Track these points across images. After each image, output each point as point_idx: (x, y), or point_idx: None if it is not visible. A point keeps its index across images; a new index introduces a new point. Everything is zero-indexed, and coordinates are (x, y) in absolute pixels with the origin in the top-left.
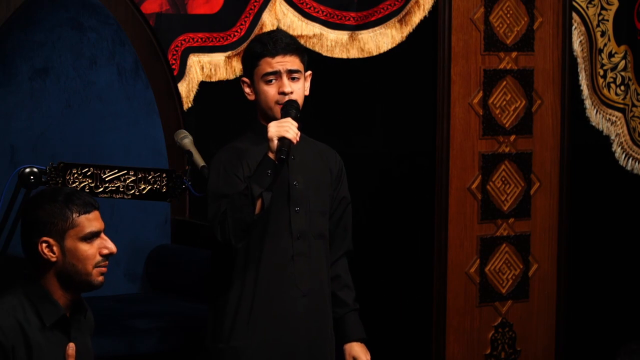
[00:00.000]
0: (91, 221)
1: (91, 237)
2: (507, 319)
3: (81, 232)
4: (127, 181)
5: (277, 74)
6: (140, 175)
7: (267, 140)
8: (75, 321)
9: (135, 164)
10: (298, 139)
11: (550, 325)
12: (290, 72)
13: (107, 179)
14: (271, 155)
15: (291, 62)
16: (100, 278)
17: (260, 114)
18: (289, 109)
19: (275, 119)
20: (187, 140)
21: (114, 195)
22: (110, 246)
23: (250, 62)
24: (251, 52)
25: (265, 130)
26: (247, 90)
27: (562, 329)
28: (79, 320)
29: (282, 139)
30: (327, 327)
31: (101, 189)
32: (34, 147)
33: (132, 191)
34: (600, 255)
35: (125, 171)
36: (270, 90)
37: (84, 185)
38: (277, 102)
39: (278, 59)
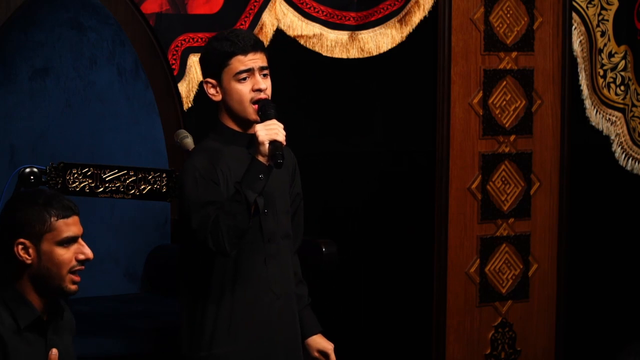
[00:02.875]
0: (69, 226)
1: (68, 242)
2: (507, 319)
3: (58, 236)
4: (127, 181)
5: (250, 72)
6: (140, 175)
7: (234, 141)
8: (52, 323)
9: (135, 164)
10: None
11: (550, 325)
12: (261, 69)
13: (107, 179)
14: (261, 159)
15: (261, 59)
16: (73, 287)
17: (229, 115)
18: (267, 109)
19: (248, 118)
20: (187, 140)
21: (114, 195)
22: (87, 252)
23: (219, 62)
24: (219, 51)
25: (231, 132)
26: (212, 91)
27: (562, 329)
28: (56, 322)
29: (274, 142)
30: (297, 324)
31: (101, 189)
32: (34, 147)
33: (132, 191)
34: (600, 255)
35: (125, 171)
36: (245, 89)
37: (84, 185)
38: (251, 100)
39: (250, 56)
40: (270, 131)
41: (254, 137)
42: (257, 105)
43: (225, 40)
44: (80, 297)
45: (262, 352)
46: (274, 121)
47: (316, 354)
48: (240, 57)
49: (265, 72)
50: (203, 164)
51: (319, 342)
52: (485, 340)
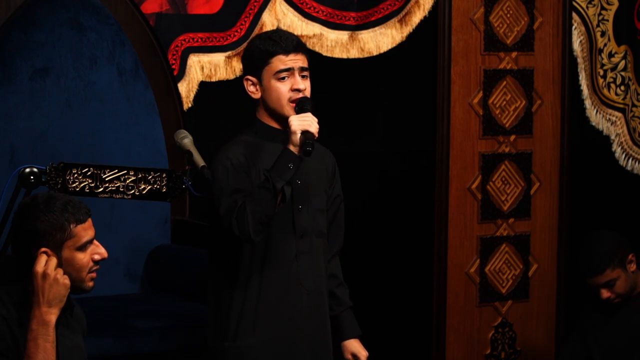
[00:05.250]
0: (87, 230)
1: (86, 245)
2: (507, 319)
3: (78, 242)
4: (127, 181)
5: (290, 71)
6: (140, 175)
7: (270, 138)
8: (62, 318)
9: (135, 164)
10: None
11: (550, 325)
12: (301, 70)
13: (107, 179)
14: (292, 148)
15: (302, 60)
16: (91, 283)
17: (267, 113)
18: (304, 104)
19: (285, 115)
20: (187, 140)
21: (114, 195)
22: (102, 251)
23: (260, 60)
24: (261, 49)
25: (268, 128)
26: (251, 88)
27: (562, 329)
28: (66, 318)
29: (306, 133)
30: (327, 325)
31: (101, 189)
32: (34, 147)
33: (132, 191)
34: None
35: (125, 171)
36: (283, 88)
37: (84, 185)
38: (289, 99)
39: (291, 56)
40: (304, 122)
41: (288, 127)
42: (294, 104)
43: (267, 40)
44: (80, 297)
45: (287, 346)
46: (309, 114)
47: (349, 357)
48: (282, 57)
49: (305, 73)
50: (236, 154)
51: (355, 346)
52: (485, 340)
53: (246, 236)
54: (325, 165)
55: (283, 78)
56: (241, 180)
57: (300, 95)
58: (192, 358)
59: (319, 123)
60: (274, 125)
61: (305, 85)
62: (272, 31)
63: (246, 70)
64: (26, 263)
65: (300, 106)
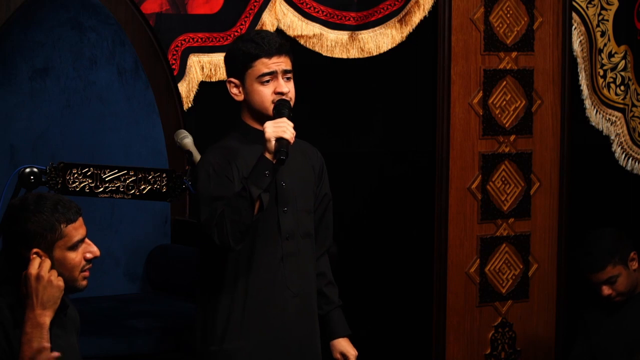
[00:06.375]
0: (77, 229)
1: (77, 244)
2: (507, 319)
3: (69, 242)
4: (127, 181)
5: (274, 74)
6: (140, 175)
7: (255, 140)
8: (56, 318)
9: (135, 164)
10: (294, 139)
11: (550, 325)
12: (285, 72)
13: (107, 179)
14: (268, 155)
15: (285, 62)
16: (85, 282)
17: (250, 115)
18: (281, 108)
19: (269, 119)
20: (187, 140)
21: (114, 195)
22: (95, 250)
23: (243, 63)
24: (243, 52)
25: (252, 130)
26: (234, 91)
27: (562, 329)
28: (60, 318)
29: (280, 140)
30: (315, 325)
31: (101, 189)
32: (34, 147)
33: (132, 191)
34: None
35: (125, 171)
36: (266, 91)
37: (84, 185)
38: (273, 102)
39: (274, 59)
40: (278, 128)
41: (263, 133)
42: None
43: (250, 42)
44: (80, 297)
45: (275, 349)
46: (284, 119)
47: (338, 356)
48: (264, 60)
49: (289, 75)
50: (218, 159)
51: (344, 345)
52: (485, 340)
53: (225, 244)
54: (312, 163)
55: (267, 81)
56: (223, 186)
57: (283, 98)
58: (192, 358)
59: (319, 123)
60: (259, 127)
61: (288, 87)
62: (255, 32)
63: (229, 73)
64: (18, 264)
65: (278, 110)
